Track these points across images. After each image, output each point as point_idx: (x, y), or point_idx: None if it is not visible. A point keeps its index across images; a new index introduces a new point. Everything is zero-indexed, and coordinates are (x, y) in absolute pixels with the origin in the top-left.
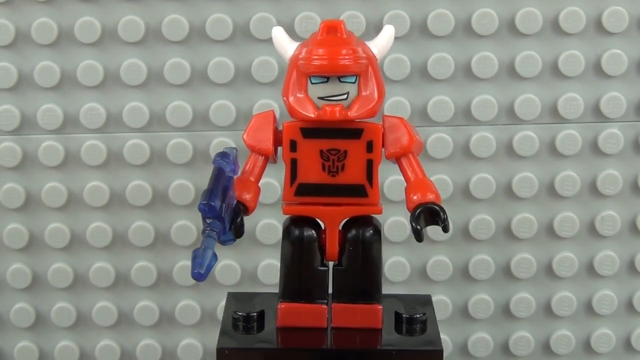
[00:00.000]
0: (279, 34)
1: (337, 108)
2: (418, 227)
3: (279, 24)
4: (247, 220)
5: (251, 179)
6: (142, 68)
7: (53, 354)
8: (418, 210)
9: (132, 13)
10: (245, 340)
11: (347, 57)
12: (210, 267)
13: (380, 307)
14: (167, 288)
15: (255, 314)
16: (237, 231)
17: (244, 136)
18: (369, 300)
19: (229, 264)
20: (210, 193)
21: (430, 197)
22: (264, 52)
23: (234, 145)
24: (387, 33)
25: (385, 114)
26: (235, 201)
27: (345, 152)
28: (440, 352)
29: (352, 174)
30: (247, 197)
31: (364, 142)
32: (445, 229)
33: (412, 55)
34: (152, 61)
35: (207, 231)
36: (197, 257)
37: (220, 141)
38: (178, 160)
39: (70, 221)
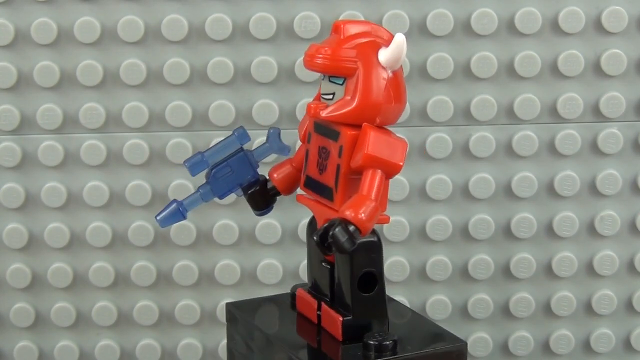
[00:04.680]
0: None
1: (320, 106)
2: (317, 239)
3: (279, 24)
4: (247, 220)
5: (291, 163)
6: (142, 68)
7: (53, 354)
8: (322, 229)
9: (131, 13)
10: (253, 309)
11: (319, 56)
12: (171, 220)
13: (340, 318)
14: (167, 288)
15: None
16: (253, 203)
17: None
18: (337, 308)
19: (228, 264)
20: (197, 153)
21: (361, 216)
22: (264, 52)
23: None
24: (395, 41)
25: (371, 124)
26: (251, 176)
27: (329, 152)
28: None
29: (328, 175)
30: (274, 175)
31: (338, 146)
32: (329, 248)
33: (412, 55)
34: (152, 61)
35: (198, 190)
36: (169, 205)
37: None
38: (178, 160)
39: (70, 221)
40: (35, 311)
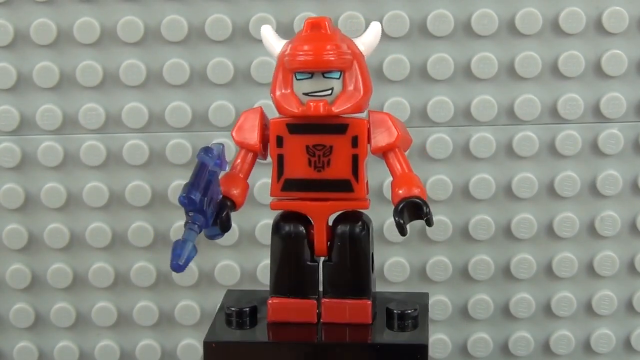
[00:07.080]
0: (267, 33)
1: (321, 103)
2: (401, 221)
3: (278, 24)
4: (247, 220)
5: (240, 175)
6: (142, 68)
7: (52, 354)
8: (401, 205)
9: (131, 13)
10: (234, 334)
11: (330, 52)
12: (189, 259)
13: (369, 302)
14: (167, 288)
15: (247, 309)
16: (223, 225)
17: (233, 133)
18: (358, 295)
19: (228, 264)
20: (190, 186)
21: (416, 191)
22: (264, 52)
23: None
24: (374, 29)
25: (371, 109)
26: (221, 196)
27: (331, 147)
28: (424, 346)
29: (338, 169)
30: (234, 192)
31: (349, 137)
32: (429, 223)
33: (412, 55)
34: (152, 61)
35: (189, 224)
36: (177, 248)
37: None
38: (177, 161)
39: (70, 221)
40: (35, 311)
